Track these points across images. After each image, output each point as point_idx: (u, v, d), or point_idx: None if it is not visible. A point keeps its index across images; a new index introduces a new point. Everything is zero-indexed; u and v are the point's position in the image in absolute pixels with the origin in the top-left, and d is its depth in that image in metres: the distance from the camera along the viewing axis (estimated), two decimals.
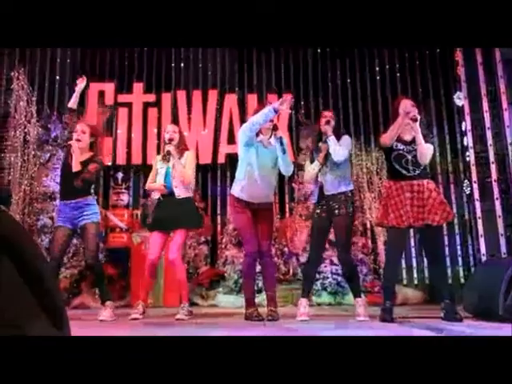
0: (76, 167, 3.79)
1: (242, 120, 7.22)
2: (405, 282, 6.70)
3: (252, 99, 7.35)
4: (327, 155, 3.68)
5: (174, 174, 4.02)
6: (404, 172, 3.47)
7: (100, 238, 4.18)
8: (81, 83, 4.01)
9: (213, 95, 7.33)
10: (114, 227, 6.44)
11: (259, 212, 3.83)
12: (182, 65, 7.52)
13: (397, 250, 3.56)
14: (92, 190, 4.31)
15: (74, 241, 6.09)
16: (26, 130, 6.61)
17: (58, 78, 7.29)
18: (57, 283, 3.78)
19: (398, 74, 7.41)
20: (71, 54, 7.38)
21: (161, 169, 4.10)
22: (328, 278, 6.01)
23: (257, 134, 3.76)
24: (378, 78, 7.44)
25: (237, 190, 3.82)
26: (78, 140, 3.86)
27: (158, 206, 4.14)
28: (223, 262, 6.23)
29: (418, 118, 3.38)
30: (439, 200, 3.39)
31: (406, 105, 3.49)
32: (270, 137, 3.81)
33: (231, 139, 7.15)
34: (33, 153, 6.49)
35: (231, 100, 7.32)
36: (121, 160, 7.04)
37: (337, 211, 3.62)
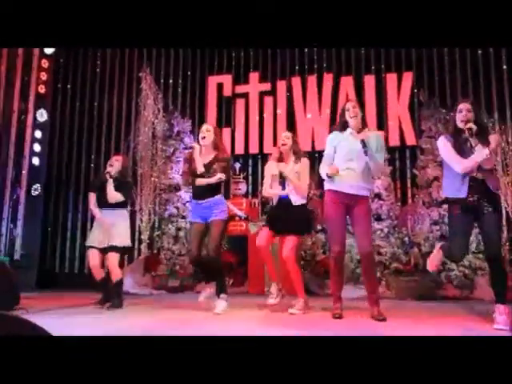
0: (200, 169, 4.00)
1: (359, 103, 6.96)
2: None
3: (370, 80, 7.04)
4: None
5: (289, 183, 4.03)
6: None
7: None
8: None
9: (328, 79, 7.15)
10: (233, 216, 6.70)
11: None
12: (297, 50, 7.44)
13: None
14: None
15: None
16: (153, 126, 7.14)
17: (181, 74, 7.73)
18: None
19: None
20: (191, 51, 7.75)
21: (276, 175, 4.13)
22: (454, 270, 5.57)
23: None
24: None
25: None
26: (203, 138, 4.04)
27: (275, 206, 4.21)
28: None
29: None
30: None
31: None
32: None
33: None
34: (160, 147, 6.99)
35: (347, 82, 7.07)
36: (239, 150, 7.26)
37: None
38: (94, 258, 4.39)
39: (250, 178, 7.17)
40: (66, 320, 3.48)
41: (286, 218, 3.98)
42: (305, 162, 4.07)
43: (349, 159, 3.49)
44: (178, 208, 6.66)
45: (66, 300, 4.80)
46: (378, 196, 6.02)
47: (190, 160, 4.10)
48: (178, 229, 6.69)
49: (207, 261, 4.01)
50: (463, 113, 3.16)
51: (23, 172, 6.61)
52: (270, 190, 4.16)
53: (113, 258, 4.36)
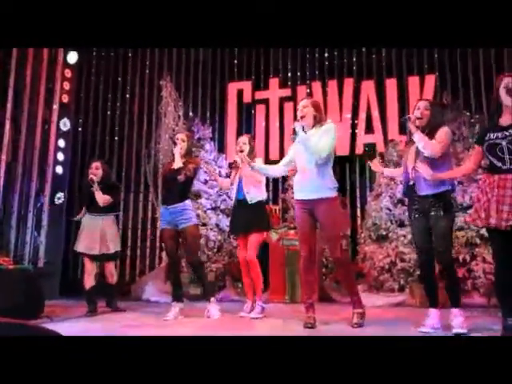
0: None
1: (381, 107, 6.88)
2: None
3: (392, 84, 6.93)
4: None
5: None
6: (499, 164, 2.83)
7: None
8: None
9: (348, 83, 7.07)
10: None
11: None
12: (317, 55, 7.39)
13: None
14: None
15: (219, 237, 6.49)
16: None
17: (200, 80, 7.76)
18: None
19: None
20: (212, 58, 7.77)
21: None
22: (480, 277, 5.39)
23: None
24: None
25: None
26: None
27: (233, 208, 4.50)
28: (362, 257, 6.00)
29: None
30: None
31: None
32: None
33: (369, 128, 6.86)
34: None
35: (368, 86, 6.98)
36: (259, 156, 7.18)
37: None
38: (90, 266, 4.49)
39: (271, 184, 7.11)
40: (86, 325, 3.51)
41: (244, 217, 4.19)
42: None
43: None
44: (198, 215, 6.64)
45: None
46: (401, 202, 5.89)
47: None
48: (195, 226, 6.66)
49: (192, 267, 4.26)
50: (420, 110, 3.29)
51: (47, 181, 6.70)
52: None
53: (111, 266, 4.67)
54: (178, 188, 4.11)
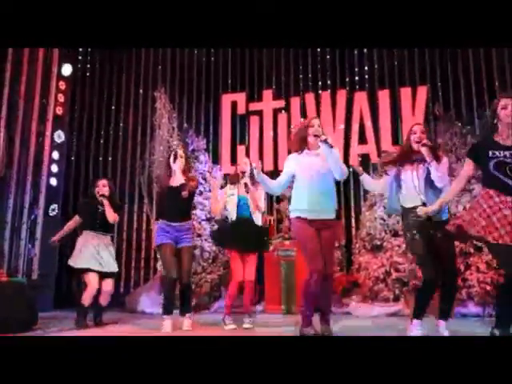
0: None
1: (374, 118, 6.96)
2: None
3: (384, 95, 7.02)
4: None
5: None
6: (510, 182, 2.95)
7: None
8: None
9: (341, 95, 7.15)
10: None
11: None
12: (310, 67, 7.47)
13: None
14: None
15: (213, 247, 6.49)
16: (168, 145, 7.18)
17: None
18: None
19: None
20: (206, 70, 7.84)
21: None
22: (475, 286, 5.43)
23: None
24: None
25: None
26: None
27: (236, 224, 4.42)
28: (357, 267, 6.03)
29: None
30: None
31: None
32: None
33: (362, 139, 6.93)
34: None
35: (361, 98, 7.06)
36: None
37: None
38: (94, 281, 4.45)
39: (266, 194, 7.12)
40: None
41: (250, 236, 4.27)
42: None
43: None
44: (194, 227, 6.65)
45: None
46: None
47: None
48: (194, 247, 6.67)
49: (184, 287, 4.20)
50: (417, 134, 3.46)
51: (41, 192, 6.69)
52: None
53: (111, 284, 4.62)
54: (183, 205, 4.16)
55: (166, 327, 4.01)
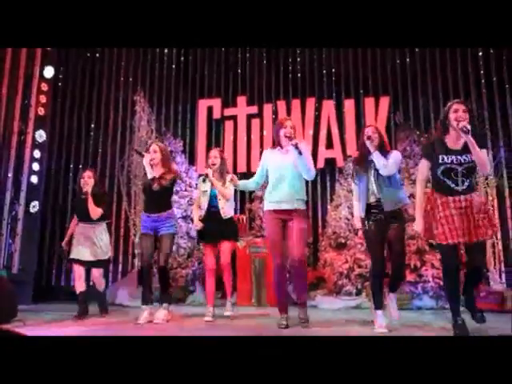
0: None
1: (340, 124, 7.46)
2: None
3: (350, 104, 7.53)
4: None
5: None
6: (453, 186, 3.22)
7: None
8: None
9: (310, 103, 7.63)
10: None
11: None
12: (281, 76, 7.93)
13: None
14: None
15: (189, 244, 6.84)
16: (147, 147, 7.48)
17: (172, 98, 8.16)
18: None
19: None
20: (183, 75, 8.21)
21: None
22: (429, 281, 5.90)
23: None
24: None
25: None
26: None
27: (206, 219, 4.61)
28: (323, 264, 6.47)
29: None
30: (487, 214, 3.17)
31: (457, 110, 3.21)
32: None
33: (329, 144, 7.41)
34: None
35: (329, 106, 7.55)
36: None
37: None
38: (79, 272, 4.69)
39: (238, 195, 7.52)
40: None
41: (217, 228, 4.47)
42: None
43: None
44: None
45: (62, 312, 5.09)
46: None
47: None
48: (173, 234, 6.94)
49: (160, 270, 4.35)
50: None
51: (22, 190, 6.90)
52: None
53: (99, 272, 4.82)
54: (157, 197, 4.30)
55: (141, 318, 4.10)
